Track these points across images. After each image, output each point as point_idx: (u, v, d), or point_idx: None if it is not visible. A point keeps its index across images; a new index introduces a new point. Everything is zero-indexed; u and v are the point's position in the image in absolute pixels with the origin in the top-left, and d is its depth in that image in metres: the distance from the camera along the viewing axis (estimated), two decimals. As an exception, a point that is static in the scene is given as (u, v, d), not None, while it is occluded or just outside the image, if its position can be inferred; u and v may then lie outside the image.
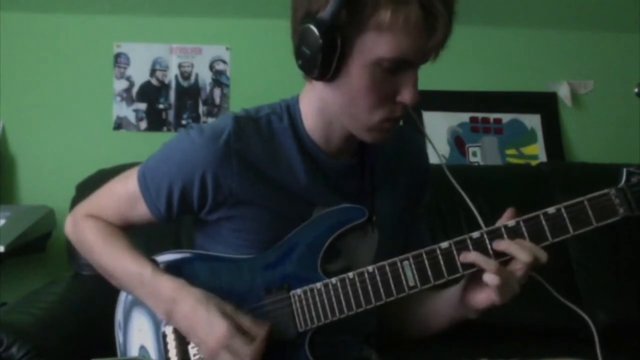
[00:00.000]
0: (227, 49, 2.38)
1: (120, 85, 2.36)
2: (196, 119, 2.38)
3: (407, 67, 1.00)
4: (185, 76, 2.38)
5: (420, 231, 1.29)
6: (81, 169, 1.99)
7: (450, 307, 1.16)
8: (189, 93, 2.38)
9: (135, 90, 2.36)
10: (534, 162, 2.34)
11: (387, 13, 0.95)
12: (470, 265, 1.03)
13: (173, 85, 2.37)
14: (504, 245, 1.03)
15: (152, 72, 2.37)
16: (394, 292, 1.05)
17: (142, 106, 2.36)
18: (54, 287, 1.79)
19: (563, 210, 1.04)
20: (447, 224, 1.94)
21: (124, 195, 1.17)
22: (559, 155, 2.43)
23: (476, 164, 2.39)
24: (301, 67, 1.03)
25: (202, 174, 1.08)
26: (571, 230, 1.04)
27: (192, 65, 2.38)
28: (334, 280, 1.07)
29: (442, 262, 1.04)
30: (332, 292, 1.06)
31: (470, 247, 1.04)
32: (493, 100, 2.45)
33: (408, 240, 1.22)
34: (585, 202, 1.04)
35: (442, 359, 1.62)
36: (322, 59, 0.98)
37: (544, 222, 1.04)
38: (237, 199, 1.10)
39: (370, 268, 1.06)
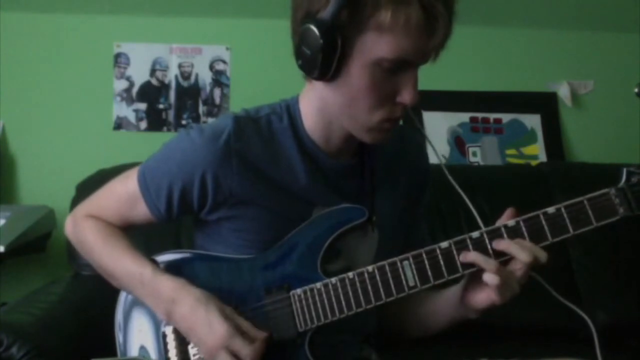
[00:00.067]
0: (227, 49, 2.38)
1: (120, 85, 2.36)
2: (196, 119, 2.38)
3: (407, 68, 1.00)
4: (185, 76, 2.38)
5: (420, 231, 1.29)
6: (81, 169, 1.99)
7: (450, 307, 1.16)
8: (189, 93, 2.38)
9: (135, 90, 2.36)
10: (534, 162, 2.34)
11: (388, 13, 0.95)
12: (470, 265, 1.04)
13: (173, 85, 2.37)
14: (503, 245, 1.03)
15: (152, 72, 2.37)
16: (394, 292, 1.05)
17: (142, 106, 2.36)
18: (54, 287, 1.79)
19: (563, 210, 1.04)
20: (447, 224, 1.94)
21: (124, 195, 1.17)
22: (559, 155, 2.43)
23: (476, 164, 2.39)
24: (301, 67, 1.03)
25: (202, 174, 1.08)
26: (571, 230, 1.04)
27: (192, 65, 2.38)
28: (333, 280, 1.07)
29: (442, 262, 1.04)
30: (332, 292, 1.06)
31: (470, 246, 1.04)
32: (493, 100, 2.45)
33: (408, 240, 1.22)
34: (585, 202, 1.04)
35: (442, 359, 1.62)
36: (322, 59, 0.98)
37: (543, 222, 1.04)
38: (237, 199, 1.10)
39: (370, 268, 1.06)
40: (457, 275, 1.05)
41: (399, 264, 1.05)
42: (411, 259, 1.05)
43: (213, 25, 2.38)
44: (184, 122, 2.37)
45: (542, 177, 2.12)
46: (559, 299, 1.10)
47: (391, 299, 1.05)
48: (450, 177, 1.11)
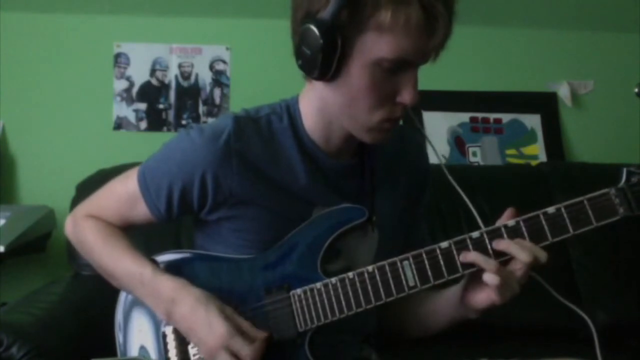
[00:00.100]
0: (227, 49, 2.38)
1: (120, 85, 2.36)
2: (196, 119, 2.38)
3: (407, 68, 1.00)
4: (185, 76, 2.38)
5: (420, 231, 1.29)
6: (81, 169, 1.99)
7: (450, 307, 1.16)
8: (189, 93, 2.38)
9: (135, 90, 2.36)
10: (534, 162, 2.34)
11: (388, 13, 0.95)
12: (470, 265, 1.03)
13: (173, 85, 2.37)
14: (503, 245, 1.03)
15: (152, 72, 2.36)
16: (394, 292, 1.05)
17: (142, 106, 2.36)
18: (54, 287, 1.79)
19: (563, 210, 1.04)
20: (447, 224, 1.94)
21: (124, 195, 1.17)
22: (559, 155, 2.43)
23: (476, 164, 2.39)
24: (301, 67, 1.03)
25: (202, 174, 1.08)
26: (571, 230, 1.04)
27: (192, 65, 2.38)
28: (333, 280, 1.07)
29: (442, 262, 1.04)
30: (332, 292, 1.06)
31: (470, 246, 1.04)
32: (493, 100, 2.45)
33: (408, 240, 1.22)
34: (585, 202, 1.04)
35: (442, 359, 1.62)
36: (322, 59, 0.98)
37: (543, 222, 1.04)
38: (237, 199, 1.10)
39: (370, 268, 1.06)
40: (457, 275, 1.05)
41: (399, 264, 1.05)
42: (411, 259, 1.05)
43: (213, 25, 2.38)
44: (184, 122, 2.37)
45: (542, 177, 2.12)
46: (559, 299, 1.10)
47: (391, 299, 1.05)
48: (450, 177, 1.11)
